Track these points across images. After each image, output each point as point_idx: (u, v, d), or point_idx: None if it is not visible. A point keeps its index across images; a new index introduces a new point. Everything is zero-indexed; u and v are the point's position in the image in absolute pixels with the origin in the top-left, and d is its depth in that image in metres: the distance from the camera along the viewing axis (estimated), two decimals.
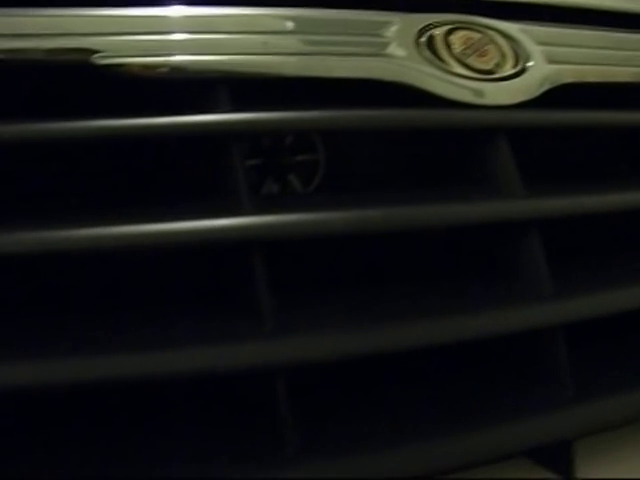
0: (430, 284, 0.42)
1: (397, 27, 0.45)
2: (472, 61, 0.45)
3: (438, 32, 0.46)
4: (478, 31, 0.47)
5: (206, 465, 0.33)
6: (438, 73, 0.44)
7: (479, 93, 0.44)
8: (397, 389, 0.40)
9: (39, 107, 0.39)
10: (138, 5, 0.42)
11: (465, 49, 0.45)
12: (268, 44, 0.42)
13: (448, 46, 0.45)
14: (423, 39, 0.45)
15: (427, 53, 0.44)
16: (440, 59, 0.44)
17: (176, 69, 0.40)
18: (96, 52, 0.40)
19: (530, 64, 0.47)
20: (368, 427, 0.36)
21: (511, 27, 0.48)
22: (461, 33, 0.46)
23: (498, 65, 0.46)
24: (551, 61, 0.47)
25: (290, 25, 0.44)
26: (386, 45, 0.44)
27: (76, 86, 0.41)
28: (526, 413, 0.39)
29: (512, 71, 0.46)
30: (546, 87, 0.46)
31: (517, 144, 0.43)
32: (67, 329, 0.34)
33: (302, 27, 0.44)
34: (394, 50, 0.44)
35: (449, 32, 0.46)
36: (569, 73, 0.47)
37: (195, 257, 0.39)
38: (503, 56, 0.46)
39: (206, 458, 0.33)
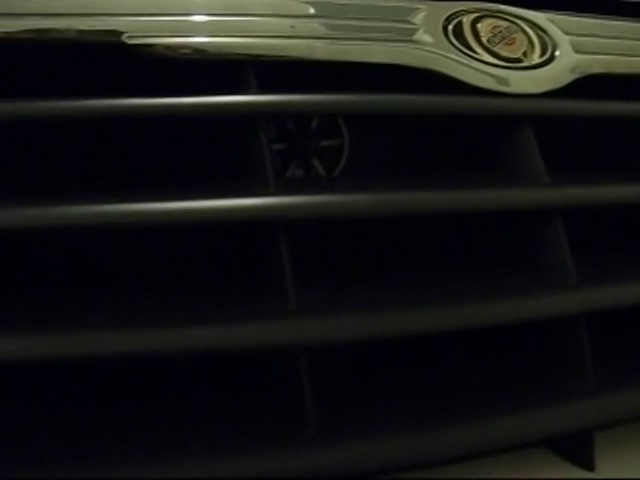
0: (454, 270, 0.42)
1: (425, 14, 0.45)
2: (499, 49, 0.45)
3: (466, 19, 0.46)
4: (505, 19, 0.47)
5: (227, 444, 0.33)
6: (466, 60, 0.44)
7: (506, 81, 0.44)
8: (418, 374, 0.40)
9: (68, 86, 0.39)
10: None
11: (492, 37, 0.45)
12: (296, 27, 0.42)
13: (476, 34, 0.45)
14: (451, 26, 0.45)
15: (455, 40, 0.44)
16: (468, 46, 0.44)
17: (202, 50, 0.41)
18: (124, 33, 0.40)
19: (558, 53, 0.46)
20: (388, 410, 0.36)
21: (539, 16, 0.48)
22: (488, 21, 0.46)
23: (525, 54, 0.45)
24: (579, 51, 0.47)
25: (318, 9, 0.44)
26: (414, 31, 0.44)
27: (105, 66, 0.42)
28: (546, 402, 0.39)
29: (539, 60, 0.45)
30: (574, 77, 0.46)
31: (545, 134, 0.43)
32: (112, 303, 0.35)
33: (330, 11, 0.44)
34: (422, 36, 0.44)
35: (477, 20, 0.46)
36: (597, 63, 0.47)
37: (223, 237, 0.39)
38: (531, 45, 0.46)
39: (227, 437, 0.34)
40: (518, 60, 0.45)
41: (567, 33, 0.48)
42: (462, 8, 0.46)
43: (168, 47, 0.40)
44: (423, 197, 0.39)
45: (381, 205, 0.38)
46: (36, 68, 0.42)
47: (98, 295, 0.35)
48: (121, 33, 0.40)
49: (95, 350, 0.31)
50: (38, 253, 0.38)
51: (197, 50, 0.41)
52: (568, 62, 0.46)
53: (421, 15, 0.45)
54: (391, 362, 0.40)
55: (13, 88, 0.38)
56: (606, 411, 0.39)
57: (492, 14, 0.47)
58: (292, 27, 0.42)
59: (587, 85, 0.46)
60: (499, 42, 0.45)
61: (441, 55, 0.43)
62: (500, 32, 0.46)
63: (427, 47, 0.43)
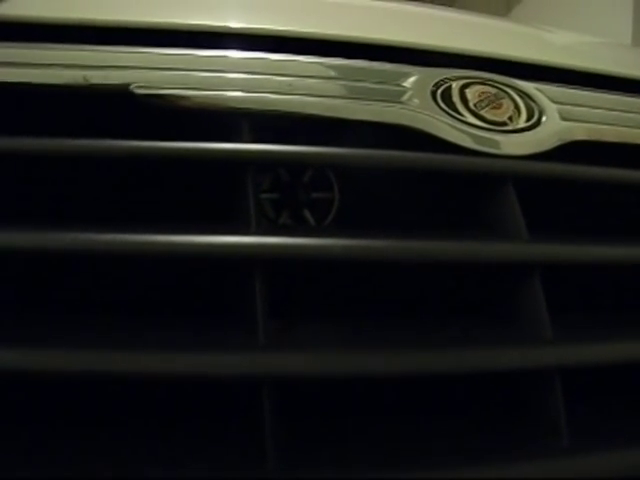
0: (429, 319, 0.42)
1: (415, 78, 0.48)
2: (485, 112, 0.47)
3: (455, 85, 0.48)
4: (494, 86, 0.49)
5: (183, 472, 0.34)
6: (451, 121, 0.46)
7: (490, 142, 0.46)
8: (389, 419, 0.40)
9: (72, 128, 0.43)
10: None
11: (479, 101, 0.47)
12: (293, 85, 0.45)
13: (463, 98, 0.47)
14: (440, 90, 0.48)
15: (442, 103, 0.47)
16: (454, 109, 0.47)
17: (202, 102, 0.44)
18: (133, 83, 0.44)
19: (544, 119, 0.48)
20: (352, 452, 0.37)
21: (527, 85, 0.50)
22: (477, 87, 0.48)
23: (511, 118, 0.47)
24: (565, 118, 0.49)
25: (316, 70, 0.47)
26: (403, 93, 0.47)
27: (113, 112, 0.45)
28: (517, 458, 0.38)
29: (525, 124, 0.47)
30: (558, 142, 0.47)
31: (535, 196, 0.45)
32: (87, 325, 0.37)
33: (327, 72, 0.47)
34: (410, 98, 0.47)
35: (466, 85, 0.48)
36: (581, 131, 0.49)
37: (205, 272, 0.41)
38: (517, 110, 0.48)
39: (184, 465, 0.34)
40: (503, 124, 0.47)
41: (555, 102, 0.50)
42: (453, 74, 0.49)
43: (171, 98, 0.44)
44: (400, 246, 0.40)
45: (356, 250, 0.39)
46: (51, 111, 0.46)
47: (80, 318, 0.37)
48: (130, 83, 0.44)
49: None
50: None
51: (197, 102, 0.44)
52: (553, 128, 0.48)
53: (412, 79, 0.48)
54: (366, 404, 0.40)
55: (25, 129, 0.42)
56: (578, 472, 0.38)
57: (482, 81, 0.49)
58: (289, 85, 0.46)
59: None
60: (486, 106, 0.47)
61: (426, 115, 0.45)
62: (487, 97, 0.48)
63: (413, 107, 0.46)
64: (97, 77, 0.45)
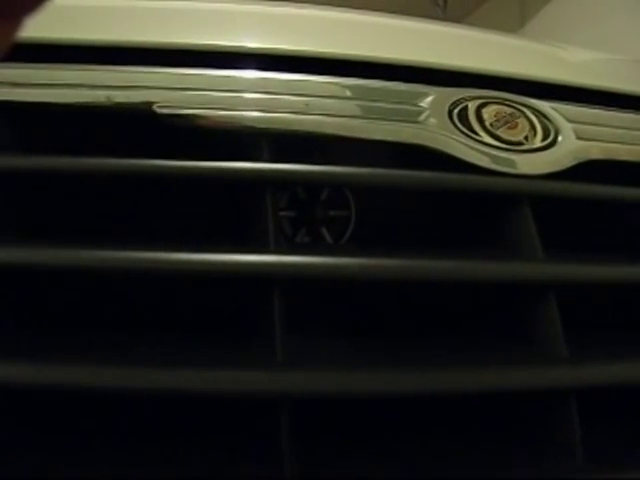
0: (446, 339, 0.43)
1: (432, 98, 0.49)
2: (501, 132, 0.47)
3: (471, 105, 0.49)
4: (510, 106, 0.49)
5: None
6: (468, 141, 0.46)
7: (507, 162, 0.46)
8: (404, 436, 0.40)
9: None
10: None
11: (495, 121, 0.48)
12: (310, 105, 0.46)
13: (480, 118, 0.48)
14: (456, 110, 0.48)
15: (458, 122, 0.47)
16: (470, 129, 0.47)
17: (221, 122, 0.45)
18: (155, 103, 0.45)
19: (560, 139, 0.49)
20: (369, 468, 0.37)
21: (543, 104, 0.51)
22: (493, 107, 0.49)
23: (527, 138, 0.48)
24: (580, 137, 0.49)
25: (333, 90, 0.48)
26: (420, 113, 0.47)
27: (134, 130, 0.46)
28: (532, 477, 0.39)
29: (541, 144, 0.48)
30: (574, 161, 0.48)
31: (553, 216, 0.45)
32: (110, 342, 0.37)
33: (344, 92, 0.48)
34: (427, 118, 0.47)
35: (482, 105, 0.49)
36: (597, 150, 0.49)
37: (223, 290, 0.42)
38: (533, 130, 0.48)
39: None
40: (519, 143, 0.47)
41: (570, 121, 0.50)
42: (469, 94, 0.50)
43: (192, 117, 0.45)
44: (416, 265, 0.41)
45: (372, 269, 0.39)
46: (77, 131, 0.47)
47: (101, 335, 0.38)
48: (152, 103, 0.45)
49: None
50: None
51: (216, 121, 0.45)
52: (569, 147, 0.48)
53: (428, 99, 0.48)
54: (381, 422, 0.41)
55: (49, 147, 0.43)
56: None
57: (498, 101, 0.50)
58: (306, 105, 0.46)
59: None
60: (502, 126, 0.48)
61: (443, 135, 0.46)
62: (503, 117, 0.48)
63: (430, 127, 0.46)
64: (120, 97, 0.45)
